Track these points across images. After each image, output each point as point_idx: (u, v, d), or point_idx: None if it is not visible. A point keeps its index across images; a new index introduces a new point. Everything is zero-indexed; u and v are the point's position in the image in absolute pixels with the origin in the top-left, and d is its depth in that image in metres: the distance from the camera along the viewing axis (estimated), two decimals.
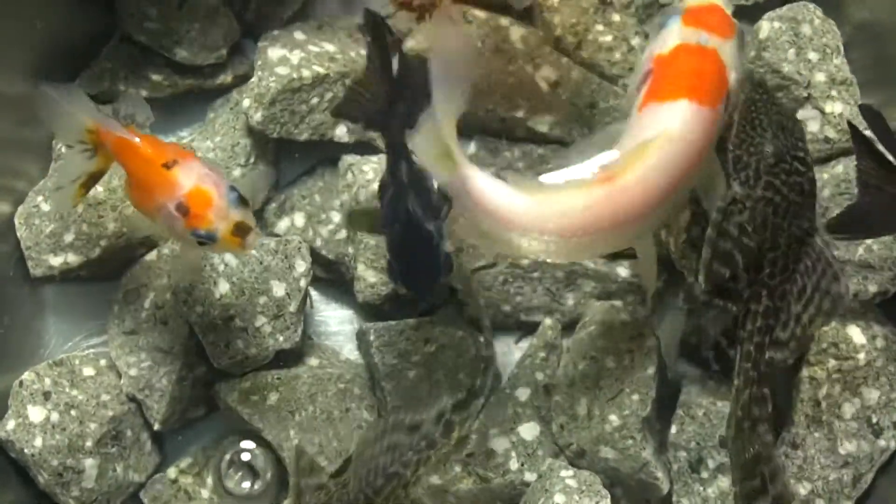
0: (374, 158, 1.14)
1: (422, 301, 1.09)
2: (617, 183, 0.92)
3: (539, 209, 0.92)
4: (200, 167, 0.93)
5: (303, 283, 1.10)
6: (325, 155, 1.18)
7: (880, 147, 1.00)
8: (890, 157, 0.99)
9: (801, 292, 0.97)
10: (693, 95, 0.96)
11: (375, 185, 1.09)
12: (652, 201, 0.94)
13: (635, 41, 1.18)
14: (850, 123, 1.04)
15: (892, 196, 0.99)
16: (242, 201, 0.91)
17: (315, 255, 1.14)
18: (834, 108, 1.12)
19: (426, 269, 0.94)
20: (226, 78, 1.19)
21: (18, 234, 1.12)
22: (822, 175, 1.12)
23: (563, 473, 1.07)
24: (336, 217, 1.15)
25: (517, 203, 0.91)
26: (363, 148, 1.16)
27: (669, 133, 0.94)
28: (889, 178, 0.99)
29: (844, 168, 1.11)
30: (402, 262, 0.95)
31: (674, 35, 1.00)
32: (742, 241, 0.96)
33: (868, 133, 1.02)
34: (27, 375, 1.09)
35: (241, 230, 0.90)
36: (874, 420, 1.09)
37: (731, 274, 0.97)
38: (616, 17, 1.18)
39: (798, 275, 0.97)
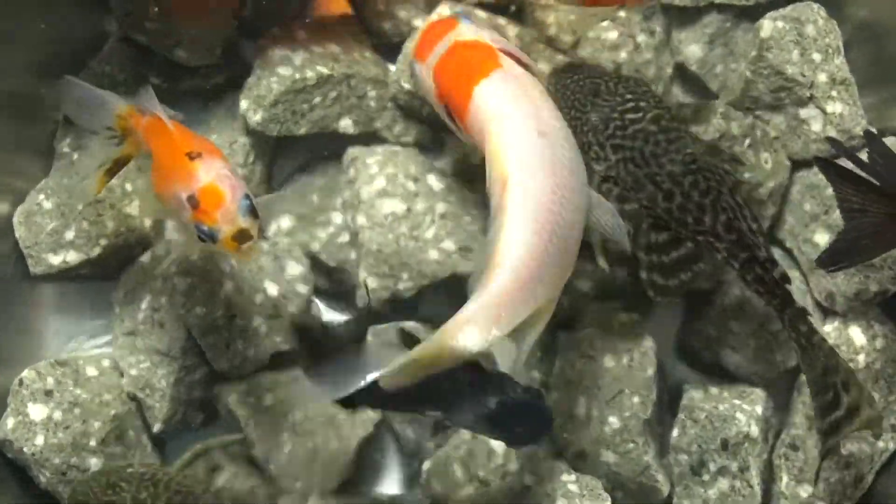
0: (380, 149, 1.14)
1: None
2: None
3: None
4: (222, 167, 0.91)
5: (300, 287, 1.10)
6: (327, 149, 1.18)
7: (855, 169, 1.01)
8: (866, 176, 1.00)
9: (734, 208, 0.97)
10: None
11: (379, 182, 1.10)
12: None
13: (641, 38, 1.18)
14: (815, 157, 1.06)
15: (876, 216, 0.99)
16: (253, 211, 0.90)
17: (314, 260, 1.14)
18: (835, 108, 1.12)
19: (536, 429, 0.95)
20: (221, 78, 1.18)
21: (17, 233, 1.12)
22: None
23: (565, 478, 1.07)
24: (336, 219, 1.15)
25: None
26: (368, 139, 1.16)
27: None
28: (870, 198, 0.99)
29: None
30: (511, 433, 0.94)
31: None
32: (639, 208, 0.98)
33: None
34: (27, 374, 1.08)
35: (242, 237, 0.90)
36: None
37: (672, 236, 0.98)
38: (622, 13, 1.18)
39: (719, 196, 0.97)
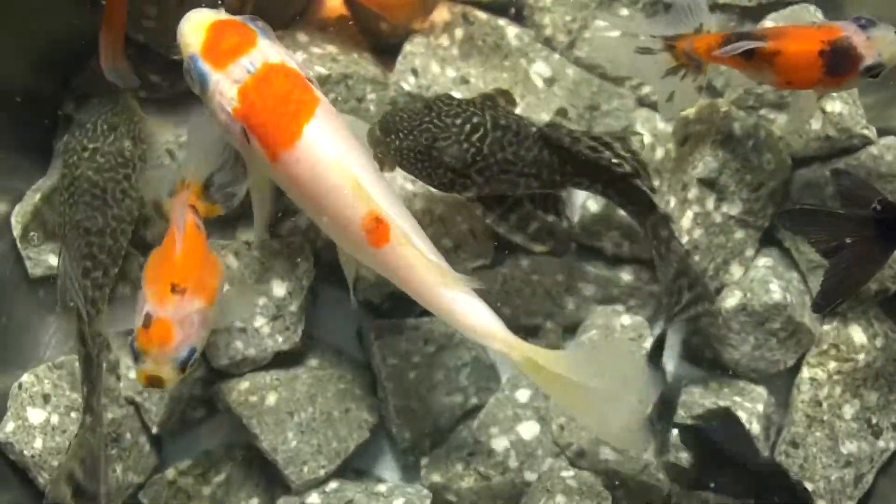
0: None
1: None
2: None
3: None
4: (194, 310, 0.93)
5: (305, 282, 1.10)
6: None
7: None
8: (833, 210, 1.03)
9: (591, 147, 1.01)
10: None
11: None
12: None
13: (643, 37, 1.18)
14: (780, 214, 1.10)
15: (852, 246, 1.01)
16: (184, 367, 0.93)
17: (316, 256, 1.13)
18: (834, 107, 1.12)
19: None
20: None
21: (15, 233, 1.12)
22: (824, 172, 1.12)
23: (564, 474, 1.07)
24: None
25: None
26: None
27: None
28: (841, 231, 1.01)
29: (844, 166, 1.11)
30: None
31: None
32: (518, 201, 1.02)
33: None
34: (26, 378, 1.08)
35: (155, 382, 0.93)
36: (874, 421, 1.10)
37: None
38: (625, 11, 1.18)
39: (572, 147, 1.00)
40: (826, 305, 1.03)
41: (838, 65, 0.97)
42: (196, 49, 0.98)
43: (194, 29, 0.99)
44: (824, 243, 1.02)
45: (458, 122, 0.99)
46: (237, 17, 1.00)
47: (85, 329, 1.01)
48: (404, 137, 0.98)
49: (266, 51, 0.98)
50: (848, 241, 1.01)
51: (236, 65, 0.97)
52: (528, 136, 1.00)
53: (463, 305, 0.94)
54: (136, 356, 0.92)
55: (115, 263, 1.06)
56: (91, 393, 1.01)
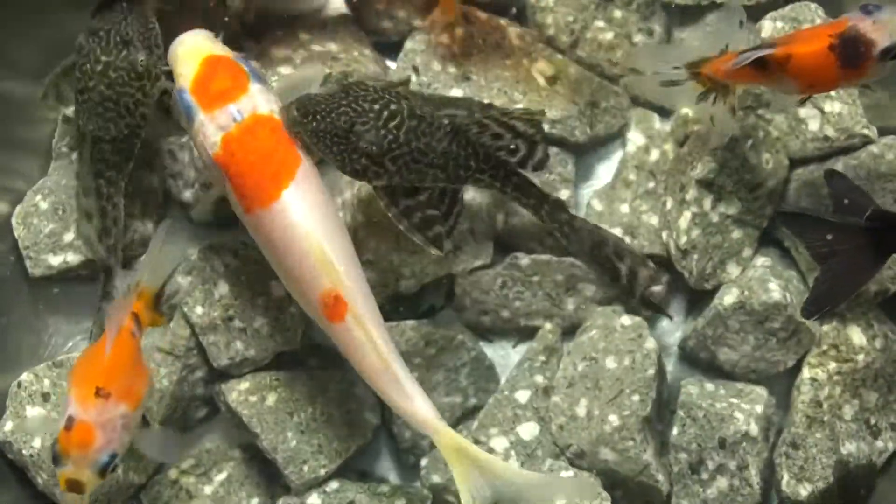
0: None
1: None
2: None
3: None
4: (117, 416, 0.93)
5: None
6: None
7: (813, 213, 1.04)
8: (827, 217, 1.02)
9: (490, 145, 1.03)
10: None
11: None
12: None
13: (638, 38, 1.18)
14: (777, 212, 1.09)
15: (845, 253, 1.01)
16: (104, 473, 0.92)
17: None
18: (833, 107, 1.12)
19: None
20: None
21: (16, 234, 1.12)
22: (822, 172, 1.11)
23: (564, 475, 1.07)
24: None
25: None
26: None
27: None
28: (834, 238, 1.01)
29: (844, 166, 1.12)
30: None
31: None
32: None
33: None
34: (25, 377, 1.08)
35: (74, 486, 0.92)
36: (872, 422, 1.10)
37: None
38: (617, 13, 1.18)
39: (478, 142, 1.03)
40: (815, 312, 1.03)
41: (852, 55, 0.94)
42: (186, 83, 0.98)
43: (187, 58, 0.99)
44: (816, 248, 1.02)
45: (377, 107, 0.98)
46: (232, 56, 0.99)
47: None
48: (321, 119, 0.97)
49: (256, 98, 0.97)
50: (839, 248, 1.01)
51: (224, 111, 0.96)
52: (441, 127, 1.00)
53: (403, 393, 0.96)
54: (57, 459, 0.92)
55: (129, 159, 1.07)
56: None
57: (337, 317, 0.95)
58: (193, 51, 0.99)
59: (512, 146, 1.03)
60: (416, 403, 0.96)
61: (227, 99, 0.97)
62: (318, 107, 0.97)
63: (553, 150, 1.15)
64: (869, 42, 0.94)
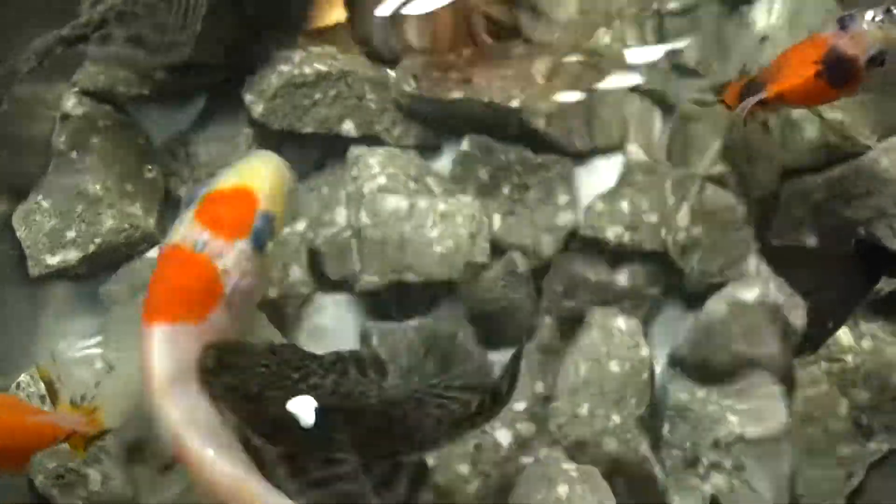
0: (381, 150, 1.14)
1: None
2: None
3: None
4: None
5: (303, 289, 1.10)
6: (334, 149, 1.17)
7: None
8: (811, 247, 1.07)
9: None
10: (162, 317, 0.89)
11: (380, 179, 1.10)
12: None
13: (631, 43, 1.19)
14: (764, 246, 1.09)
15: (829, 283, 1.02)
16: None
17: (315, 254, 1.13)
18: (834, 114, 1.13)
19: None
20: (226, 75, 1.17)
21: (18, 234, 1.11)
22: (817, 180, 1.14)
23: (566, 466, 1.07)
24: (339, 215, 1.15)
25: None
26: (370, 140, 1.16)
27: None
28: (816, 269, 1.03)
29: (840, 172, 1.13)
30: None
31: (181, 228, 0.93)
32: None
33: None
34: (24, 378, 1.07)
35: None
36: (864, 421, 1.11)
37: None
38: (616, 22, 1.19)
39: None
40: (810, 349, 1.06)
41: (840, 76, 0.97)
42: (212, 187, 0.95)
43: (243, 171, 0.96)
44: (802, 284, 1.03)
45: (296, 376, 0.91)
46: (269, 213, 0.95)
47: None
48: (234, 376, 0.90)
49: (229, 255, 0.93)
50: (823, 280, 1.02)
51: (204, 234, 0.92)
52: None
53: None
54: None
55: None
56: None
57: None
58: (255, 169, 0.96)
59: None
60: None
61: (211, 224, 0.92)
62: (236, 360, 0.91)
63: (553, 157, 1.16)
64: (852, 59, 0.96)
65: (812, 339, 1.04)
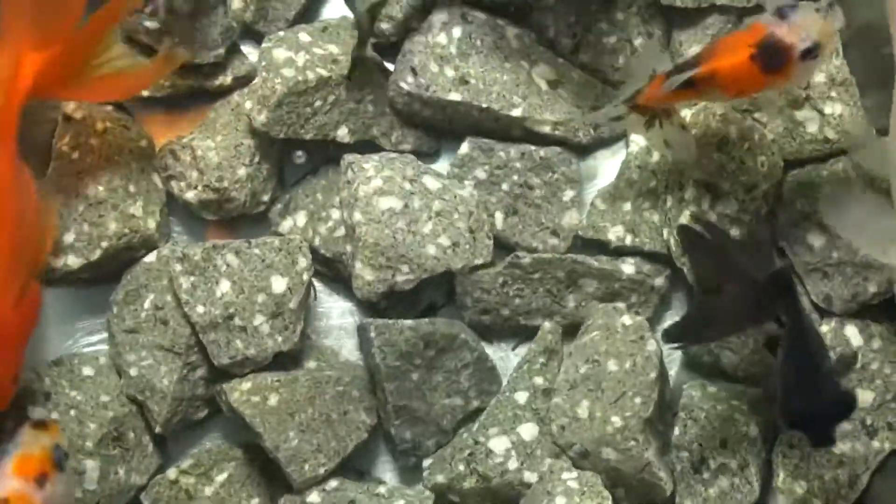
0: (375, 157, 1.13)
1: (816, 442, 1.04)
2: None
3: None
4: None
5: (305, 276, 1.10)
6: (328, 155, 1.17)
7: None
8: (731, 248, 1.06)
9: None
10: None
11: (376, 182, 1.10)
12: None
13: (638, 42, 1.18)
14: (681, 230, 1.09)
15: (729, 295, 1.03)
16: None
17: (314, 253, 1.13)
18: (834, 109, 1.13)
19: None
20: (226, 78, 1.17)
21: None
22: (822, 172, 1.13)
23: (565, 476, 1.07)
24: (335, 215, 1.15)
25: None
26: (364, 147, 1.16)
27: None
28: (727, 276, 1.03)
29: (843, 165, 1.13)
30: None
31: None
32: None
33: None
34: (25, 376, 1.07)
35: None
36: (868, 422, 1.11)
37: None
38: (619, 16, 1.18)
39: None
40: (673, 340, 1.05)
41: (773, 61, 0.97)
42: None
43: None
44: (705, 280, 1.05)
45: None
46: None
47: None
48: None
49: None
50: (726, 290, 1.03)
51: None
52: None
53: None
54: None
55: None
56: None
57: None
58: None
59: None
60: None
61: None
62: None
63: (556, 149, 1.16)
64: (788, 47, 0.97)
65: (675, 334, 1.05)
